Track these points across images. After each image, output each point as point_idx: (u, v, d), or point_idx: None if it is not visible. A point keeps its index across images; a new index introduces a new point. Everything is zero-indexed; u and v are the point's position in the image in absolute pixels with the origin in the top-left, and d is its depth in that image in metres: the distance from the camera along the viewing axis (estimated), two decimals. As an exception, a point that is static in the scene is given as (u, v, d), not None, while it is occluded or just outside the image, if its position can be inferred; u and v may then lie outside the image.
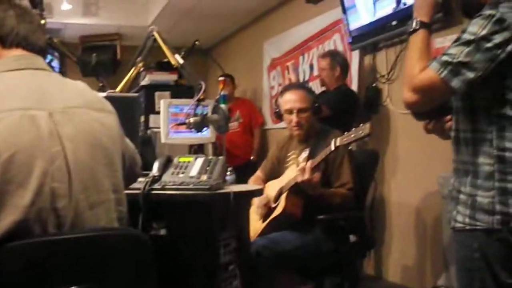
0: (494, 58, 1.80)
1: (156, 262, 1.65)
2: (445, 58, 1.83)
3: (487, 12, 1.84)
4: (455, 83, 1.81)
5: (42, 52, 1.74)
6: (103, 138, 1.64)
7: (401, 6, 4.20)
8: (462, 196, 1.95)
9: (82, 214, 1.51)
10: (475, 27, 1.82)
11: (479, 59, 1.80)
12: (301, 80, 5.95)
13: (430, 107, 1.97)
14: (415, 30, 1.97)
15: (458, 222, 1.96)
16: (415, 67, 1.90)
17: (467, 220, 1.92)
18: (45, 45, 1.76)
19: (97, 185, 1.57)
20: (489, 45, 1.79)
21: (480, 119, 1.90)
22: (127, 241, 1.55)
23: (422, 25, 1.97)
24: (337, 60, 4.81)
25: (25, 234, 1.41)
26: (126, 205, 1.72)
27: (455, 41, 1.85)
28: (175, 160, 2.77)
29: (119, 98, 3.15)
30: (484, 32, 1.80)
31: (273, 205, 3.42)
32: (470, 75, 1.81)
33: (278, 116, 3.67)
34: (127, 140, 1.90)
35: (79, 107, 1.62)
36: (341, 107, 4.52)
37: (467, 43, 1.82)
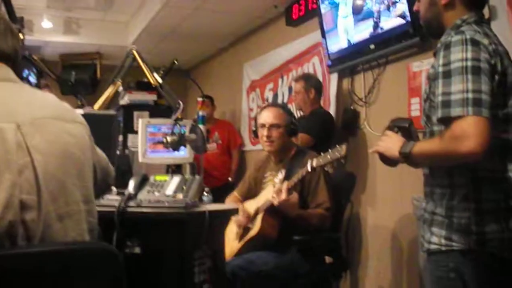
0: (493, 76, 1.83)
1: (129, 280, 1.64)
2: (457, 97, 1.79)
3: (455, 38, 1.87)
4: (485, 112, 1.77)
5: (9, 60, 1.69)
6: (73, 149, 1.62)
7: (378, 30, 4.25)
8: (437, 218, 1.97)
9: (51, 226, 1.49)
10: (458, 54, 1.83)
11: (485, 80, 1.80)
12: (279, 102, 5.98)
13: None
14: (412, 147, 1.93)
15: (433, 243, 1.98)
16: (441, 140, 1.85)
17: (443, 241, 1.94)
18: (13, 52, 1.71)
19: (67, 197, 1.55)
20: (482, 64, 1.81)
21: None
22: (98, 255, 1.52)
23: (405, 155, 1.94)
24: (311, 83, 4.85)
25: None
26: (96, 217, 1.70)
27: (445, 76, 1.84)
28: (151, 178, 2.77)
29: (97, 115, 3.15)
30: (469, 54, 1.82)
31: (249, 226, 3.42)
32: (488, 98, 1.78)
33: (255, 134, 3.70)
34: (99, 151, 1.88)
35: (48, 118, 1.60)
36: (320, 131, 4.57)
37: (462, 70, 1.81)
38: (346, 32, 4.64)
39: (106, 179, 1.96)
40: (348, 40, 4.61)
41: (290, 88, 5.89)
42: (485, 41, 1.87)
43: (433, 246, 1.97)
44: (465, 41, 1.84)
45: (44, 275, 1.41)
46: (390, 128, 2.12)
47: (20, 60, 1.79)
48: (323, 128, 4.64)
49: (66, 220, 1.53)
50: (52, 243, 1.47)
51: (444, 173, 1.96)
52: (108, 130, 3.06)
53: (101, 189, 1.94)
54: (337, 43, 4.78)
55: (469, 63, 1.80)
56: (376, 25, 4.26)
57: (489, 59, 1.83)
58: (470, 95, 1.77)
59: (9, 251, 1.40)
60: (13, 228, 1.42)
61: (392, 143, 2.02)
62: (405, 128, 2.10)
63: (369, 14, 4.32)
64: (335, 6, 4.73)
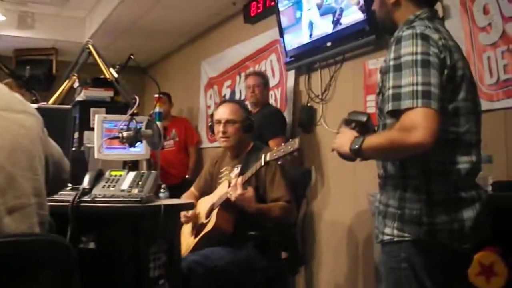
0: (441, 70, 1.86)
1: (84, 275, 1.62)
2: (408, 89, 1.81)
3: (406, 32, 1.91)
4: (435, 105, 1.79)
5: None
6: (23, 140, 1.59)
7: (337, 27, 4.29)
8: (390, 209, 2.00)
9: (1, 219, 1.46)
10: (408, 48, 1.86)
11: (434, 74, 1.83)
12: (237, 99, 6.00)
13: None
14: (362, 142, 1.95)
15: (386, 234, 2.01)
16: (390, 133, 1.89)
17: (395, 232, 1.98)
18: None
19: (17, 189, 1.52)
20: (431, 58, 1.84)
21: None
22: (48, 247, 1.50)
23: (356, 149, 1.96)
24: (266, 79, 4.98)
25: None
26: (47, 209, 1.67)
27: (396, 69, 1.87)
28: (107, 173, 2.75)
29: (51, 110, 3.11)
30: (419, 48, 1.85)
31: (205, 221, 3.42)
32: (437, 91, 1.82)
33: (211, 129, 3.69)
34: (53, 144, 1.85)
35: None
36: (283, 127, 4.67)
37: (412, 63, 1.84)
38: (304, 29, 4.68)
39: (60, 174, 1.91)
40: (310, 35, 4.64)
41: (247, 85, 5.90)
42: (435, 36, 1.91)
43: (386, 237, 2.01)
44: (415, 36, 1.88)
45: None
46: (347, 122, 2.15)
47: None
48: (284, 125, 4.74)
49: (15, 214, 1.50)
50: (3, 235, 1.44)
51: (396, 165, 1.99)
52: (63, 125, 3.02)
53: (55, 184, 1.90)
54: (296, 39, 4.81)
55: (419, 57, 1.84)
56: (336, 22, 4.29)
57: (438, 53, 1.86)
58: (419, 88, 1.80)
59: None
60: None
61: (345, 140, 2.03)
62: (362, 122, 2.13)
63: (330, 10, 4.35)
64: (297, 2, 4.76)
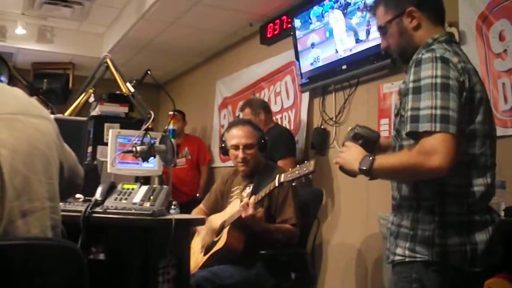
0: (461, 93, 1.87)
1: (93, 286, 1.63)
2: (425, 112, 1.83)
3: (426, 55, 1.92)
4: (453, 129, 1.81)
5: None
6: (40, 144, 1.61)
7: (351, 51, 4.32)
8: (402, 230, 2.00)
9: (14, 222, 1.47)
10: (428, 71, 1.87)
11: (453, 97, 1.84)
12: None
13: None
14: (372, 162, 1.94)
15: (397, 255, 2.01)
16: (407, 154, 1.89)
17: (407, 252, 1.97)
18: None
19: (32, 193, 1.53)
20: (451, 82, 1.85)
21: None
22: (60, 252, 1.52)
23: (364, 172, 1.95)
24: (257, 105, 4.90)
25: None
26: (60, 214, 1.68)
27: (415, 91, 1.87)
28: (119, 186, 2.76)
29: (67, 121, 3.13)
30: (439, 72, 1.86)
31: (215, 239, 3.42)
32: (455, 115, 1.83)
33: (224, 152, 3.69)
34: (68, 150, 1.87)
35: (15, 114, 1.59)
36: (292, 146, 4.65)
37: (432, 87, 1.85)
38: (319, 52, 4.70)
39: (73, 179, 1.93)
40: (321, 60, 4.67)
41: (262, 106, 5.92)
42: (455, 59, 1.92)
43: (397, 257, 2.00)
44: (435, 59, 1.89)
45: (5, 269, 1.40)
46: (355, 137, 2.14)
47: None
48: (292, 144, 4.73)
49: (29, 217, 1.52)
50: (15, 237, 1.46)
51: (411, 186, 2.00)
52: (78, 137, 3.04)
53: (68, 189, 1.91)
54: (309, 62, 4.84)
55: (439, 80, 1.85)
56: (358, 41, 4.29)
57: (458, 76, 1.87)
58: (438, 112, 1.81)
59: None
60: None
61: (352, 156, 2.03)
62: (373, 140, 2.13)
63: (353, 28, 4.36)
64: (313, 25, 4.79)
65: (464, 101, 1.88)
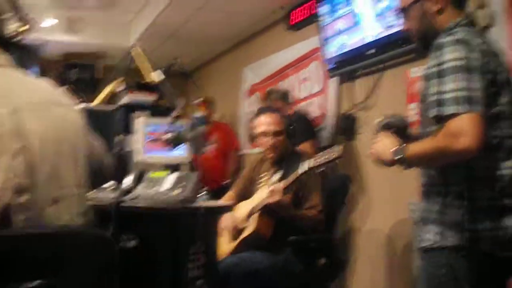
0: (485, 73, 1.86)
1: (124, 274, 1.65)
2: (449, 95, 1.82)
3: (447, 39, 1.91)
4: (478, 109, 1.80)
5: (7, 46, 1.70)
6: (67, 133, 1.63)
7: (379, 35, 4.28)
8: (432, 216, 2.00)
9: (45, 209, 1.50)
10: (451, 54, 1.87)
11: (476, 78, 1.84)
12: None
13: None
14: (402, 150, 1.96)
15: (426, 240, 2.00)
16: (438, 138, 1.87)
17: (437, 237, 1.97)
18: (13, 38, 1.72)
19: (61, 180, 1.56)
20: (473, 63, 1.85)
21: None
22: (92, 240, 1.54)
23: (400, 160, 1.96)
24: (274, 96, 4.99)
25: None
26: (89, 201, 1.71)
27: (439, 75, 1.87)
28: (148, 174, 2.79)
29: (96, 110, 3.17)
30: (460, 54, 1.86)
31: (244, 225, 3.43)
32: (479, 94, 1.83)
33: (252, 139, 3.70)
34: (96, 141, 1.90)
35: (44, 103, 1.62)
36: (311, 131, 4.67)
37: (454, 69, 1.84)
38: (347, 36, 4.67)
39: (101, 169, 1.96)
40: (349, 45, 4.64)
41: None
42: (477, 40, 1.91)
43: (427, 243, 2.00)
44: (455, 42, 1.89)
45: (38, 257, 1.42)
46: (387, 126, 2.14)
47: (23, 49, 1.80)
48: (311, 127, 4.74)
49: (59, 204, 1.54)
50: (46, 226, 1.49)
51: (438, 172, 1.99)
52: (107, 125, 3.08)
53: (95, 179, 1.94)
54: (337, 47, 4.81)
55: (461, 62, 1.84)
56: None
57: (480, 57, 1.86)
58: (463, 93, 1.81)
59: (5, 233, 1.42)
60: (8, 211, 1.44)
61: (386, 146, 2.03)
62: (403, 128, 2.13)
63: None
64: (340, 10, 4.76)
65: (488, 82, 1.87)
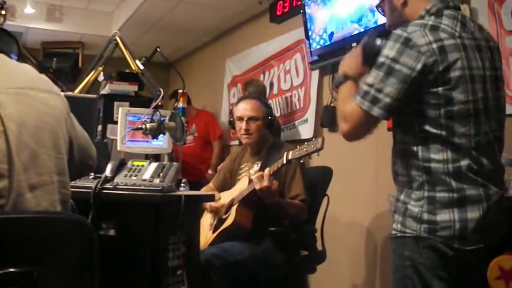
0: (406, 79, 1.87)
1: (103, 262, 1.64)
2: (365, 88, 1.93)
3: (397, 32, 1.93)
4: (375, 111, 1.91)
5: None
6: (48, 119, 1.61)
7: (360, 29, 4.29)
8: (398, 204, 2.03)
9: (23, 195, 1.48)
10: (386, 49, 1.91)
11: (392, 82, 1.88)
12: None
13: (366, 135, 2.03)
14: (342, 83, 2.08)
15: (393, 229, 2.03)
16: (345, 104, 2.00)
17: (399, 226, 1.99)
18: None
19: (40, 167, 1.54)
20: (398, 66, 1.87)
21: (407, 132, 1.99)
22: (71, 227, 1.53)
23: (347, 77, 2.08)
24: (250, 90, 5.18)
25: None
26: (70, 188, 1.69)
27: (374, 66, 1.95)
28: (129, 163, 2.78)
29: (77, 99, 3.14)
30: (393, 53, 1.89)
31: (224, 216, 3.43)
32: (387, 99, 1.89)
33: (231, 125, 3.70)
34: (79, 128, 1.87)
35: (24, 88, 1.59)
36: None
37: (380, 66, 1.91)
38: (329, 29, 4.68)
39: (85, 159, 1.94)
40: (331, 38, 4.65)
41: (271, 84, 5.92)
42: (422, 40, 1.89)
43: (393, 232, 2.03)
44: (399, 38, 1.90)
45: (15, 242, 1.41)
46: (367, 42, 2.14)
47: (2, 34, 1.78)
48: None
49: (38, 190, 1.53)
50: (25, 211, 1.48)
51: (402, 162, 2.03)
52: (88, 114, 3.05)
53: (79, 168, 1.92)
54: (319, 40, 4.82)
55: (387, 62, 1.89)
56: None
57: (411, 64, 1.87)
58: (372, 91, 1.91)
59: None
60: None
61: (347, 63, 2.15)
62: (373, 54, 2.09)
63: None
64: (324, 2, 4.76)
65: (432, 84, 1.89)
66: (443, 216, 1.90)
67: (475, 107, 1.93)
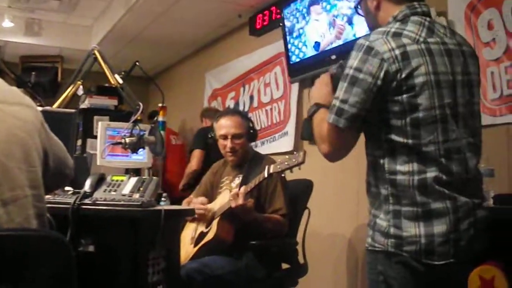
0: (371, 88, 1.85)
1: (82, 278, 1.62)
2: (332, 102, 1.92)
3: (359, 41, 1.92)
4: (342, 123, 1.89)
5: None
6: (19, 132, 1.59)
7: (341, 41, 4.32)
8: (370, 217, 1.99)
9: None
10: (350, 60, 1.90)
11: (356, 92, 1.86)
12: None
13: (347, 152, 2.00)
14: (315, 111, 2.06)
15: (366, 243, 1.99)
16: (321, 127, 1.98)
17: (370, 240, 1.96)
18: None
19: (11, 182, 1.52)
20: (361, 76, 1.85)
21: (375, 143, 1.96)
22: (47, 244, 1.50)
23: (320, 106, 2.05)
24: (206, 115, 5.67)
25: None
26: (45, 202, 1.67)
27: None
28: (108, 178, 2.76)
29: (55, 113, 3.12)
30: (356, 63, 1.87)
31: (205, 230, 3.41)
32: (352, 110, 1.87)
33: (212, 142, 3.69)
34: (54, 139, 1.85)
35: None
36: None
37: (345, 77, 1.89)
38: (308, 42, 4.70)
39: (61, 169, 1.90)
40: (310, 51, 4.67)
41: (251, 97, 5.93)
42: (384, 47, 1.86)
43: (366, 245, 1.99)
44: (361, 48, 1.89)
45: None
46: (332, 73, 2.13)
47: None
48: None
49: (10, 206, 1.51)
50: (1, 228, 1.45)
51: (373, 174, 1.98)
52: (66, 129, 3.02)
53: (56, 179, 1.89)
54: (298, 53, 4.84)
55: (351, 72, 1.88)
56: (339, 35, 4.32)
57: (374, 72, 1.85)
58: (337, 104, 1.90)
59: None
60: None
61: (315, 94, 2.14)
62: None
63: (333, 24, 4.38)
64: (302, 15, 4.79)
65: (395, 91, 1.86)
66: (409, 231, 1.85)
67: (442, 113, 1.88)
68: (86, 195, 2.54)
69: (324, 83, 2.13)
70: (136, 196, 2.57)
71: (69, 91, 3.45)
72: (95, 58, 3.38)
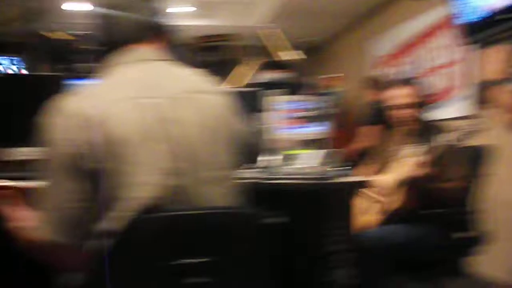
0: None
1: (270, 251, 1.76)
2: None
3: None
4: None
5: (147, 38, 1.85)
6: (211, 118, 1.75)
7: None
8: None
9: (194, 191, 1.66)
10: None
11: None
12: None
13: None
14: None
15: None
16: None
17: None
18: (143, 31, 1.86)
19: (207, 163, 1.70)
20: None
21: None
22: (242, 218, 1.70)
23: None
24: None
25: (152, 210, 1.57)
26: (235, 182, 1.84)
27: None
28: (286, 152, 2.86)
29: (240, 93, 3.28)
30: None
31: (388, 199, 3.42)
32: None
33: (384, 112, 3.67)
34: (242, 124, 1.98)
35: (189, 92, 1.75)
36: None
37: None
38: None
39: (249, 152, 2.05)
40: (483, 11, 4.48)
41: (419, 63, 5.81)
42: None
43: None
44: None
45: (199, 234, 1.59)
46: None
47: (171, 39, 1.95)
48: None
49: (210, 185, 1.70)
50: (207, 207, 1.66)
51: None
52: (246, 106, 3.17)
53: (244, 157, 2.04)
54: (470, 14, 4.65)
55: None
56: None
57: None
58: None
59: (172, 213, 1.59)
60: (162, 194, 1.60)
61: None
62: None
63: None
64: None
65: None
66: None
67: None
68: (267, 170, 2.65)
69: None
70: (316, 169, 2.65)
71: (245, 69, 3.60)
72: (265, 35, 3.48)
